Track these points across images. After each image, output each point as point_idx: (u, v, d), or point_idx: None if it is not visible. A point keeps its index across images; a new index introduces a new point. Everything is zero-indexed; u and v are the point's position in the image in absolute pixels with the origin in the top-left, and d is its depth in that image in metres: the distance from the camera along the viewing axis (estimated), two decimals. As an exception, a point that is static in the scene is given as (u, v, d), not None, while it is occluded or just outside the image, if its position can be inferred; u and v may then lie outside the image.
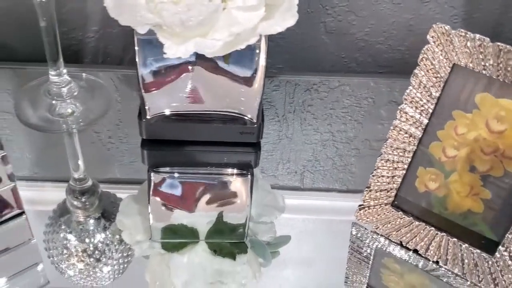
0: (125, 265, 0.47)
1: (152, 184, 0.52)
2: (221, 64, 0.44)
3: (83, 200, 0.49)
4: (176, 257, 0.47)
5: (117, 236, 0.47)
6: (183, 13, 0.34)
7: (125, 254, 0.48)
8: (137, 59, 0.44)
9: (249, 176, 0.52)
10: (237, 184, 0.53)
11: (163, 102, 0.48)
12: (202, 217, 0.49)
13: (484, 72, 0.36)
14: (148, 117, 0.49)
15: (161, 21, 0.35)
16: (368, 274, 0.46)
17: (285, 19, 0.37)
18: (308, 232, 0.50)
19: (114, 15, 0.39)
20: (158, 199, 0.51)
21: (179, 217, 0.48)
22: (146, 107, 0.48)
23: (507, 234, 0.38)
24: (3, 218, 0.43)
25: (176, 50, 0.36)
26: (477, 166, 0.39)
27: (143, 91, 0.46)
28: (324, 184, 0.54)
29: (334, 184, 0.54)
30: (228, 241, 0.48)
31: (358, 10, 0.63)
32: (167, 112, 0.49)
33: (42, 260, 0.45)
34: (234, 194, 0.53)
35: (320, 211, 0.52)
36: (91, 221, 0.48)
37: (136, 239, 0.48)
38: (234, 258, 0.47)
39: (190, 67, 0.45)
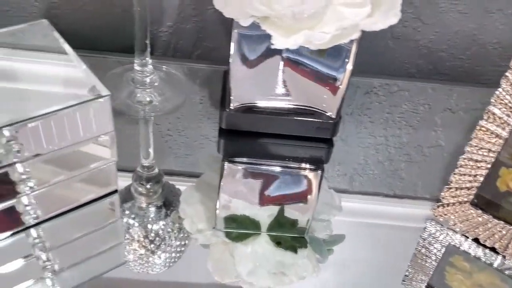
0: (181, 254, 0.48)
1: (225, 173, 0.53)
2: (310, 60, 0.46)
3: (148, 187, 0.50)
4: (241, 247, 0.48)
5: (177, 225, 0.49)
6: (296, 6, 0.36)
7: (182, 243, 0.49)
8: (231, 51, 0.46)
9: (319, 172, 0.54)
10: (307, 179, 0.55)
11: (248, 95, 0.50)
12: (264, 210, 0.50)
13: None
14: (231, 107, 0.51)
15: (272, 13, 0.37)
16: (431, 273, 0.47)
17: (388, 17, 0.39)
18: (352, 234, 0.51)
19: (219, 7, 0.41)
20: (227, 189, 0.52)
21: (243, 208, 0.50)
22: (231, 98, 0.50)
23: None
24: (100, 195, 0.45)
25: (284, 42, 0.38)
26: None
27: (231, 82, 0.48)
28: (371, 188, 0.55)
29: (382, 188, 0.55)
30: (289, 235, 0.49)
31: (424, 17, 0.65)
32: (250, 104, 0.51)
33: (123, 240, 0.47)
34: (303, 189, 0.54)
35: (365, 215, 0.53)
36: (153, 208, 0.49)
37: (198, 227, 0.50)
38: (295, 251, 0.48)
39: (281, 62, 0.47)
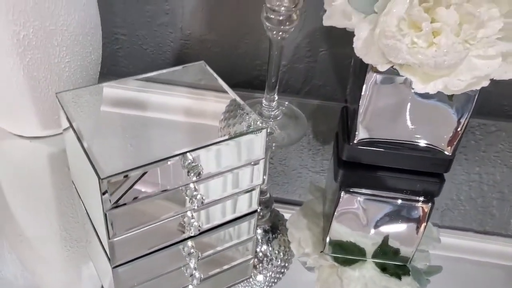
0: (283, 275, 0.53)
1: (340, 202, 0.59)
2: (436, 102, 0.51)
3: (258, 210, 0.55)
4: (349, 271, 0.53)
5: (282, 247, 0.54)
6: (439, 57, 0.42)
7: (285, 264, 0.54)
8: (363, 93, 0.52)
9: (430, 204, 0.59)
10: (417, 211, 0.59)
11: (372, 131, 0.56)
12: (370, 238, 0.55)
13: None
14: (355, 141, 0.57)
15: (416, 62, 0.43)
16: None
17: (516, 68, 0.44)
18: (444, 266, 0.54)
19: (359, 54, 0.48)
20: (340, 216, 0.57)
21: (351, 235, 0.55)
22: (357, 133, 0.56)
23: None
24: (244, 213, 0.52)
25: (425, 87, 0.44)
26: None
27: (359, 118, 0.54)
28: (461, 224, 0.58)
29: (471, 224, 0.58)
30: (392, 262, 0.53)
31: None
32: (372, 139, 0.57)
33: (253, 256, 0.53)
34: (411, 220, 0.58)
35: (454, 249, 0.56)
36: (259, 231, 0.54)
37: (305, 251, 0.55)
38: (400, 278, 0.53)
39: (407, 103, 0.53)
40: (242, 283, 0.50)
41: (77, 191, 0.54)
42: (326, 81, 0.74)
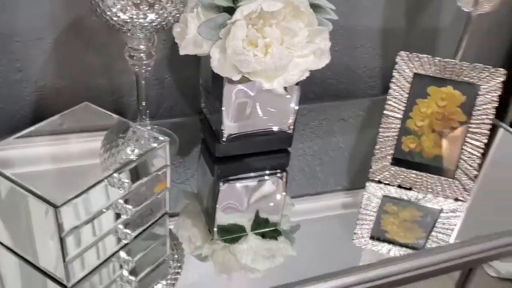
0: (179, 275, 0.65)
1: (220, 192, 0.73)
2: (276, 95, 0.70)
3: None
4: (239, 246, 0.67)
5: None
6: (275, 62, 0.60)
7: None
8: (224, 100, 0.67)
9: (284, 174, 0.77)
10: (275, 183, 0.77)
11: (235, 128, 0.72)
12: (245, 216, 0.71)
13: (430, 74, 0.67)
14: (223, 140, 0.72)
15: (261, 67, 0.60)
16: (372, 226, 0.71)
17: (323, 60, 0.64)
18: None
19: (217, 71, 0.63)
20: (222, 205, 0.72)
21: (231, 218, 0.69)
22: (224, 133, 0.71)
23: (459, 164, 0.68)
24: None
25: (271, 84, 0.61)
26: (435, 128, 0.69)
27: (225, 121, 0.70)
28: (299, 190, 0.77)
29: (306, 189, 0.79)
30: (266, 229, 0.70)
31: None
32: (235, 134, 0.72)
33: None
34: (274, 192, 0.76)
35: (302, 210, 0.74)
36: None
37: (197, 245, 0.68)
38: (276, 239, 0.70)
39: (251, 100, 0.70)
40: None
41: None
42: (176, 102, 0.88)
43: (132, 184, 0.55)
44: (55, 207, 0.46)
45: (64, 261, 0.49)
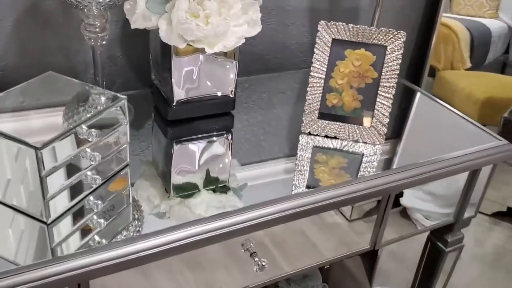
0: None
1: (174, 152, 0.83)
2: (219, 62, 0.81)
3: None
4: (193, 200, 0.78)
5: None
6: (214, 29, 0.71)
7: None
8: (173, 69, 0.78)
9: (230, 135, 0.88)
10: (221, 144, 0.87)
11: (183, 93, 0.82)
12: (197, 174, 0.82)
13: (346, 39, 0.80)
14: (174, 104, 0.82)
15: (203, 35, 0.71)
16: (307, 176, 0.84)
17: (255, 29, 0.76)
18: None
19: (166, 40, 0.73)
20: (176, 164, 0.82)
21: (185, 177, 0.79)
22: (174, 97, 0.81)
23: (373, 113, 0.82)
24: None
25: (212, 49, 0.72)
26: (353, 84, 0.83)
27: (174, 87, 0.80)
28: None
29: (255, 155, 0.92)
30: (217, 185, 0.81)
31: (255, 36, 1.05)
32: (184, 99, 0.83)
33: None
34: (221, 152, 0.86)
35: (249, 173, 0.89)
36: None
37: (155, 203, 0.78)
38: (226, 193, 0.81)
39: (196, 69, 0.80)
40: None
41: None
42: (128, 78, 0.97)
43: (98, 135, 0.64)
44: (37, 149, 0.55)
45: (44, 198, 0.58)
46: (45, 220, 0.61)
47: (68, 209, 0.64)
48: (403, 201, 0.90)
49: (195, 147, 0.86)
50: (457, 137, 0.92)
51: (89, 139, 0.63)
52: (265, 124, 0.93)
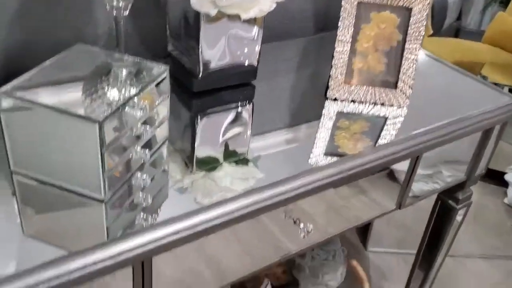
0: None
1: (198, 126, 0.81)
2: (246, 31, 0.79)
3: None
4: (216, 173, 0.76)
5: None
6: (251, -5, 0.69)
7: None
8: (201, 38, 0.75)
9: (251, 107, 0.86)
10: (241, 116, 0.85)
11: (208, 63, 0.79)
12: (217, 148, 0.80)
13: (371, 1, 0.80)
14: (200, 75, 0.79)
15: (237, 1, 0.69)
16: (327, 142, 0.84)
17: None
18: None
19: (196, 8, 0.70)
20: (199, 138, 0.80)
21: (206, 150, 0.77)
22: (201, 68, 0.78)
23: (399, 75, 0.83)
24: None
25: (248, 14, 0.70)
26: (378, 47, 0.83)
27: (201, 58, 0.77)
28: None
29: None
30: (237, 158, 0.80)
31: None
32: (211, 70, 0.80)
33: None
34: (241, 124, 0.84)
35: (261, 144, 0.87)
36: None
37: (177, 178, 0.76)
38: (247, 164, 0.80)
39: (222, 38, 0.78)
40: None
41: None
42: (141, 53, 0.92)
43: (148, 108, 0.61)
44: (99, 122, 0.52)
45: (102, 175, 0.55)
46: (102, 198, 0.57)
47: (121, 186, 0.61)
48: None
49: (218, 119, 0.84)
50: (466, 96, 0.95)
51: (139, 113, 0.59)
52: (286, 92, 0.92)
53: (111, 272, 0.55)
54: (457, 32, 3.19)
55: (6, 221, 0.58)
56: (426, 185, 0.95)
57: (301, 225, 0.74)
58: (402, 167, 0.87)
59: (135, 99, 0.58)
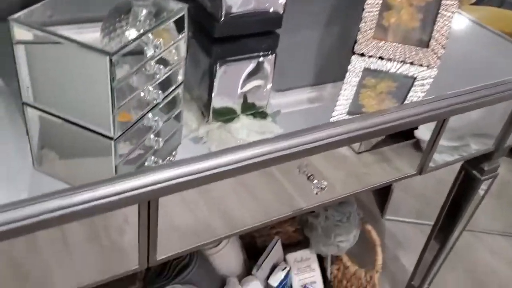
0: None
1: (217, 74, 0.78)
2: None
3: None
4: (233, 125, 0.73)
5: None
6: None
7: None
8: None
9: (274, 56, 0.82)
10: (264, 66, 0.82)
11: (231, 6, 0.76)
12: (235, 100, 0.77)
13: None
14: (222, 19, 0.76)
15: None
16: (351, 100, 0.80)
17: None
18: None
19: None
20: (217, 87, 0.77)
21: (223, 101, 0.75)
22: (222, 12, 0.75)
23: (432, 34, 0.78)
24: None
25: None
26: (413, 2, 0.78)
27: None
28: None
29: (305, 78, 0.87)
30: (255, 111, 0.77)
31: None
32: (232, 13, 0.77)
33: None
34: (262, 75, 0.81)
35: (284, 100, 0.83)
36: None
37: (193, 127, 0.74)
38: (266, 118, 0.77)
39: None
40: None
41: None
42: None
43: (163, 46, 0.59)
44: (110, 54, 0.50)
45: (112, 111, 0.53)
46: (111, 135, 0.56)
47: (132, 125, 0.59)
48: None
49: (238, 68, 0.81)
50: (504, 63, 0.89)
51: (153, 51, 0.57)
52: (311, 44, 0.88)
53: (116, 208, 0.55)
54: (501, 2, 3.04)
55: (17, 155, 0.57)
56: (451, 157, 0.92)
57: (315, 181, 0.72)
58: (428, 137, 0.84)
59: (149, 35, 0.56)
